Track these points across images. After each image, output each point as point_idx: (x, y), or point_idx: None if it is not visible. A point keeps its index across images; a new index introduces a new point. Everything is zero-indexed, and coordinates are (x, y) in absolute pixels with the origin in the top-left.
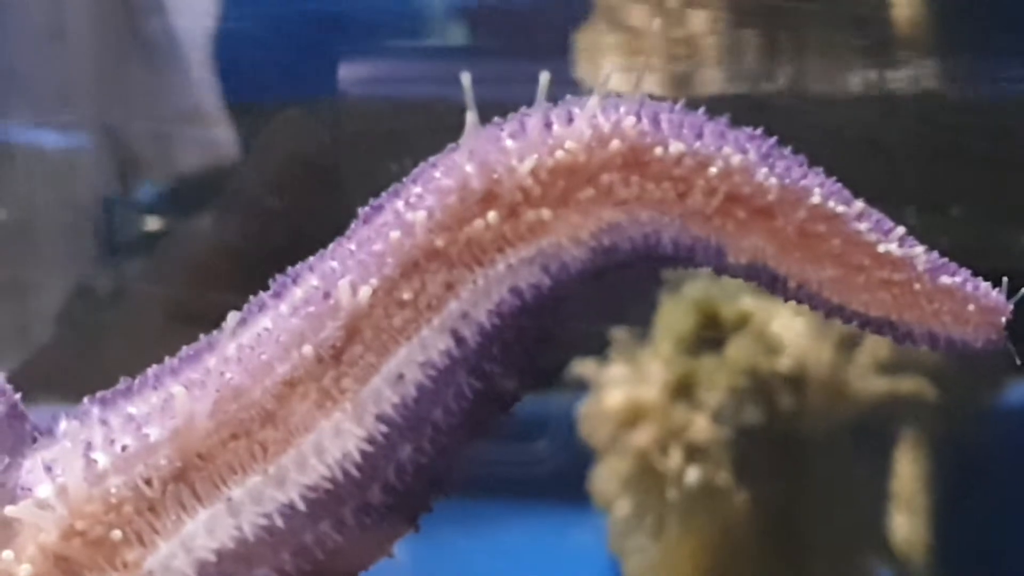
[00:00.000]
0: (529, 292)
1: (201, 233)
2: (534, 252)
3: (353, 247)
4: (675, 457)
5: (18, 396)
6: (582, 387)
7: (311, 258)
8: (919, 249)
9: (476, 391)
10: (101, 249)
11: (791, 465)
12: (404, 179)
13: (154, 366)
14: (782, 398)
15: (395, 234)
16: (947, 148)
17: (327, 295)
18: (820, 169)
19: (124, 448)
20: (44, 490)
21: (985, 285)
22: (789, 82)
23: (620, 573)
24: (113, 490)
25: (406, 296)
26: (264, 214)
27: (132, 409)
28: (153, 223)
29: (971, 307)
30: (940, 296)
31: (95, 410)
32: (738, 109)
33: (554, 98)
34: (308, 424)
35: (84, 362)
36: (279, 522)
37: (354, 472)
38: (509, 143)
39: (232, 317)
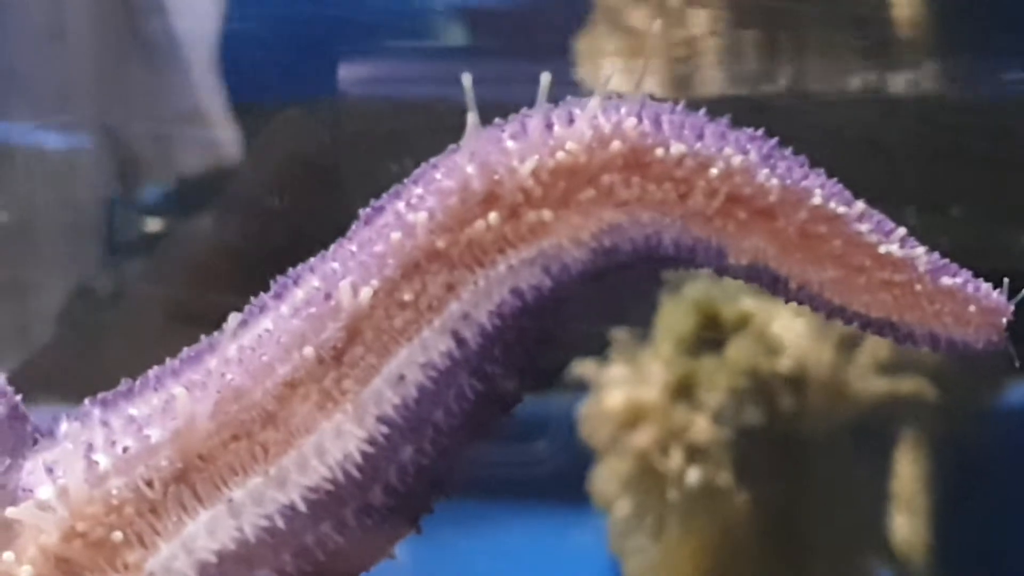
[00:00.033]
0: (530, 293)
1: (201, 233)
2: (535, 253)
3: (354, 248)
4: (675, 458)
5: (19, 397)
6: (582, 388)
7: (312, 259)
8: (920, 250)
9: (477, 392)
10: (101, 249)
11: (791, 466)
12: (405, 180)
13: (155, 367)
14: (782, 399)
15: (396, 235)
16: (947, 148)
17: (328, 296)
18: (821, 170)
19: (125, 449)
20: (45, 491)
21: (986, 286)
22: (789, 83)
23: (620, 574)
24: (114, 491)
25: (407, 297)
26: (264, 214)
27: (133, 410)
28: (153, 224)
29: (972, 308)
30: (941, 297)
31: (96, 411)
32: (738, 110)
33: (554, 99)
34: (309, 425)
35: (84, 363)
36: (280, 523)
37: (355, 473)
38: (510, 144)
39: (233, 318)
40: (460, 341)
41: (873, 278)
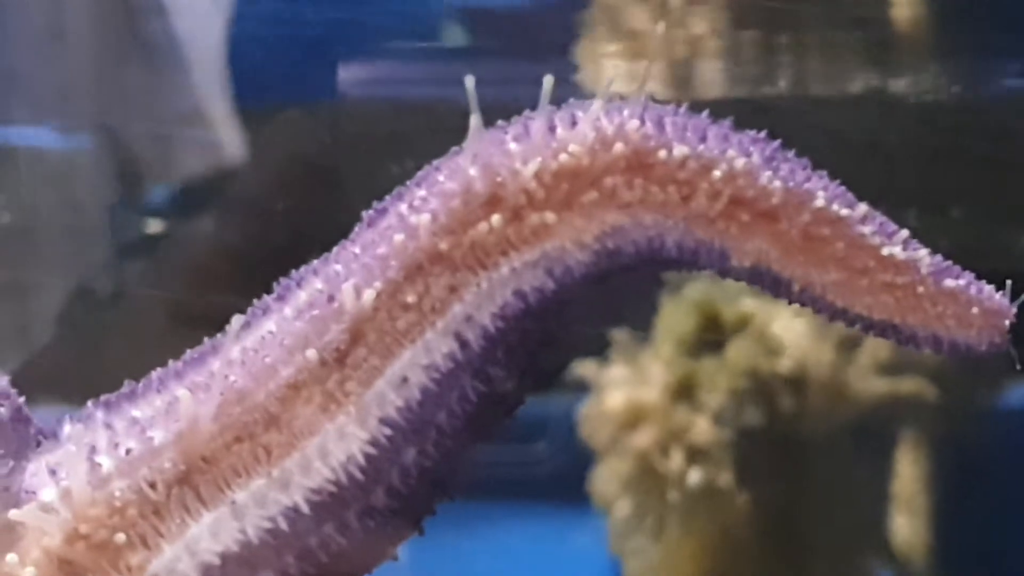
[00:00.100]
0: (533, 295)
1: (202, 235)
2: (538, 255)
3: (357, 250)
4: (676, 459)
5: (22, 399)
6: (582, 388)
7: (315, 261)
8: (923, 252)
9: (480, 394)
10: (102, 250)
11: (792, 466)
12: (406, 181)
13: (158, 369)
14: (783, 399)
15: (399, 237)
16: (948, 150)
17: (331, 298)
18: (823, 172)
19: (128, 451)
20: (48, 494)
21: (988, 288)
22: (790, 84)
23: (620, 574)
24: (117, 493)
25: (410, 299)
26: (265, 216)
27: (136, 412)
28: (154, 225)
29: (975, 310)
30: (944, 299)
31: (99, 413)
32: (739, 111)
33: (555, 100)
34: (312, 427)
35: (84, 364)
36: (283, 525)
37: (358, 475)
38: (513, 146)
39: (236, 320)
40: (463, 343)
41: (876, 280)
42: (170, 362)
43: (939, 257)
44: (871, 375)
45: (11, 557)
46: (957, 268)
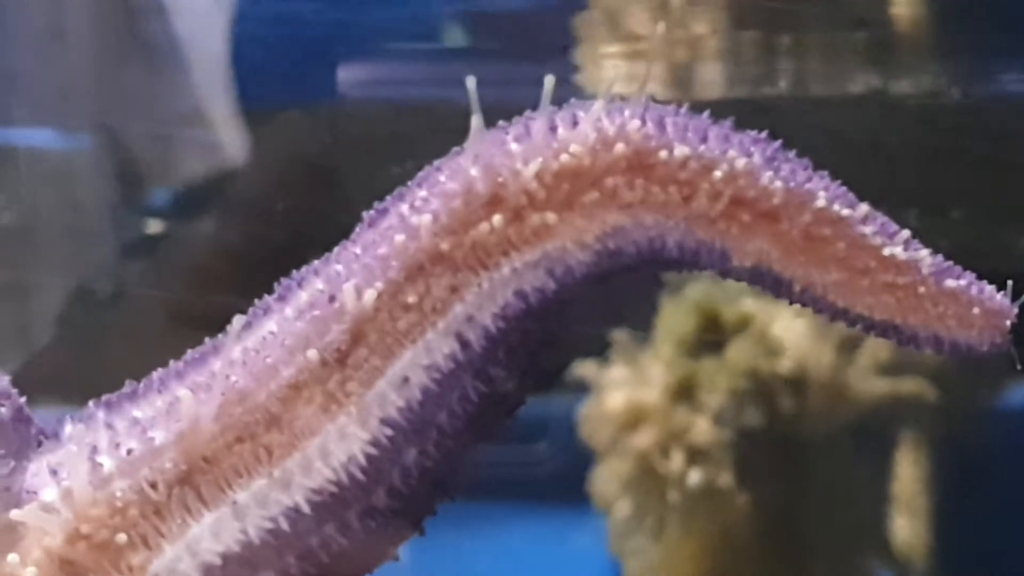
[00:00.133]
0: (534, 296)
1: (202, 235)
2: (539, 256)
3: (358, 251)
4: (676, 459)
5: (23, 399)
6: (582, 389)
7: (316, 261)
8: (924, 252)
9: (481, 394)
10: (102, 251)
11: (792, 467)
12: (406, 182)
13: (159, 369)
14: (783, 400)
15: (400, 238)
16: (948, 150)
17: (332, 299)
18: (824, 172)
19: (129, 452)
20: (49, 494)
21: (990, 288)
22: (790, 85)
23: (621, 575)
24: (118, 494)
25: (411, 300)
26: (265, 217)
27: (137, 413)
28: (154, 225)
29: (976, 310)
30: (945, 299)
31: (100, 414)
32: (739, 111)
33: (555, 101)
34: (313, 428)
35: (84, 364)
36: (284, 525)
37: (359, 476)
38: (514, 147)
39: (237, 320)
40: (464, 343)
41: (877, 280)
42: (171, 362)
43: (940, 257)
44: (871, 376)
45: (12, 557)
46: (958, 268)
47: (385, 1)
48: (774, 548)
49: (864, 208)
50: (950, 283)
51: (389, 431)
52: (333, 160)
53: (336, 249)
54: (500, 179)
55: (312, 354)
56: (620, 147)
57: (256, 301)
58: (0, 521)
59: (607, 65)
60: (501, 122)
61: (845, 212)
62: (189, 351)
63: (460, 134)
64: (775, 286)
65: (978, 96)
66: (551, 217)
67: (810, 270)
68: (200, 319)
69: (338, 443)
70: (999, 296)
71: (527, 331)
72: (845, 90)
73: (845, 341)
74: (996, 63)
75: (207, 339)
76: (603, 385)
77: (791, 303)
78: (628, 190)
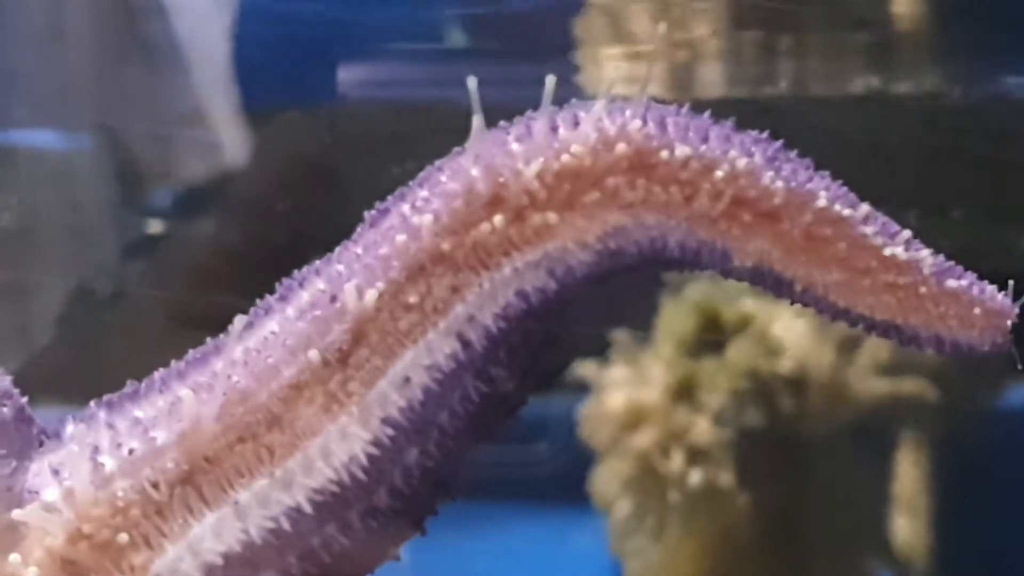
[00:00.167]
0: (535, 296)
1: (202, 236)
2: (540, 256)
3: (359, 251)
4: (676, 459)
5: (25, 399)
6: (582, 389)
7: (317, 262)
8: (925, 252)
9: (482, 394)
10: (102, 251)
11: (792, 467)
12: (407, 182)
13: (160, 369)
14: (783, 400)
15: (401, 238)
16: (948, 150)
17: (333, 299)
18: (826, 172)
19: (131, 452)
20: (51, 494)
21: (991, 288)
22: (790, 85)
23: (621, 575)
24: (120, 493)
25: (412, 300)
26: (266, 217)
27: (139, 412)
28: (155, 226)
29: (977, 310)
30: (946, 299)
31: (102, 414)
32: (739, 112)
33: (556, 101)
34: (315, 428)
35: (84, 364)
36: (286, 525)
37: (360, 475)
38: (515, 147)
39: (239, 320)
40: (465, 343)
41: (878, 280)
42: (172, 362)
43: (941, 257)
44: (871, 376)
45: (14, 557)
46: (959, 268)
47: (385, 2)
48: (774, 548)
49: (865, 208)
50: (951, 283)
51: (390, 431)
52: (333, 160)
53: (337, 249)
54: (501, 179)
55: (313, 354)
56: (621, 147)
57: (256, 301)
58: (2, 521)
59: (607, 66)
60: (502, 122)
61: (846, 212)
62: (191, 351)
63: (460, 134)
64: (776, 286)
65: (978, 96)
66: (552, 217)
67: (811, 270)
68: (200, 319)
69: (340, 443)
70: (1000, 296)
71: (528, 331)
72: (845, 90)
73: (845, 341)
74: (996, 63)
75: (207, 339)
76: (603, 385)
77: (792, 303)
78: (629, 190)
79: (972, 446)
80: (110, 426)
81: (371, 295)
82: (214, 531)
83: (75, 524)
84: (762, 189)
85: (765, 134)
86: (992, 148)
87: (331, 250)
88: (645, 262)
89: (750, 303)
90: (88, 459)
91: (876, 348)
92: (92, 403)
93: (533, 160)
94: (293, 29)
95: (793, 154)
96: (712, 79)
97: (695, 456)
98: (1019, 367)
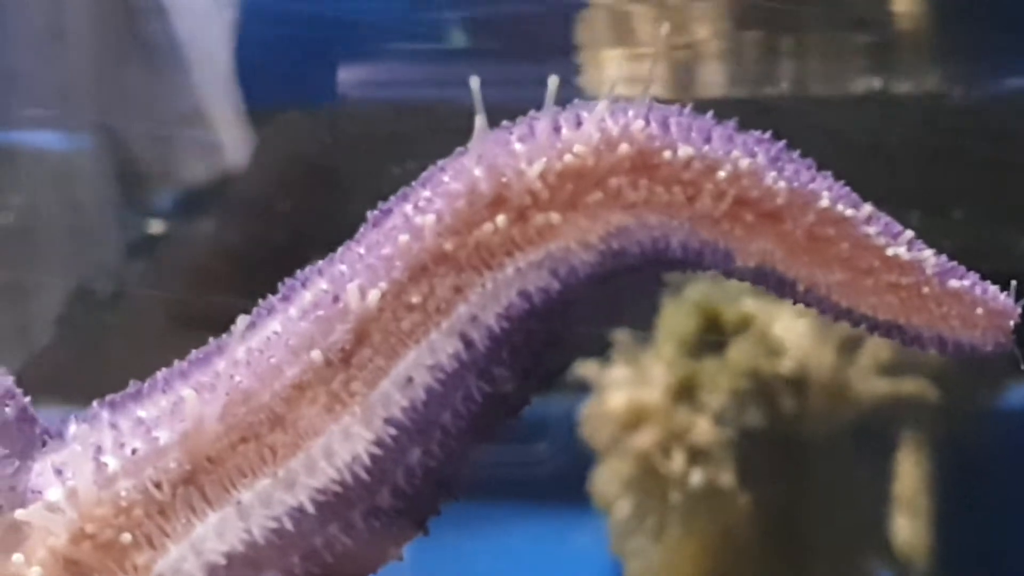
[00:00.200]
0: (538, 296)
1: (202, 236)
2: (543, 256)
3: (362, 251)
4: (677, 459)
5: (27, 399)
6: (582, 389)
7: (320, 262)
8: (928, 252)
9: (485, 394)
10: (103, 252)
11: (793, 467)
12: (408, 183)
13: (163, 369)
14: (784, 400)
15: (404, 238)
16: (949, 150)
17: (336, 299)
18: (828, 173)
19: (134, 451)
20: (54, 493)
21: (993, 288)
22: (791, 85)
23: (621, 575)
24: (123, 493)
25: (415, 299)
26: (266, 217)
27: (142, 412)
28: (155, 226)
29: (980, 311)
30: (949, 299)
31: (104, 413)
32: (740, 112)
33: (557, 102)
34: (317, 427)
35: (85, 364)
36: (288, 525)
37: (363, 475)
38: (518, 147)
39: (242, 320)
40: (468, 343)
41: (881, 281)
42: (175, 362)
43: (944, 258)
44: (872, 376)
45: (17, 557)
46: (962, 269)
47: (386, 2)
48: (775, 548)
49: (868, 208)
50: (954, 283)
51: (393, 431)
52: (333, 161)
53: (340, 249)
54: (504, 179)
55: (316, 354)
56: (624, 147)
57: (257, 301)
58: (5, 521)
59: (609, 66)
60: (503, 123)
61: (849, 212)
62: (193, 351)
63: (461, 135)
64: (779, 286)
65: (979, 96)
66: (555, 217)
67: (814, 270)
68: (200, 319)
69: (342, 443)
70: (1003, 296)
71: (531, 331)
72: (846, 91)
73: (846, 341)
74: (997, 63)
75: (208, 339)
76: (604, 385)
77: (795, 303)
78: (632, 190)
79: (973, 446)
80: (113, 426)
81: (374, 295)
82: (217, 531)
83: (78, 524)
84: (765, 189)
85: (767, 134)
86: (993, 148)
87: (331, 250)
88: (648, 262)
89: (751, 303)
90: (91, 459)
91: (877, 348)
92: (95, 403)
93: (536, 160)
94: (294, 29)
95: (795, 154)
96: (713, 79)
97: (696, 456)
98: (1022, 367)
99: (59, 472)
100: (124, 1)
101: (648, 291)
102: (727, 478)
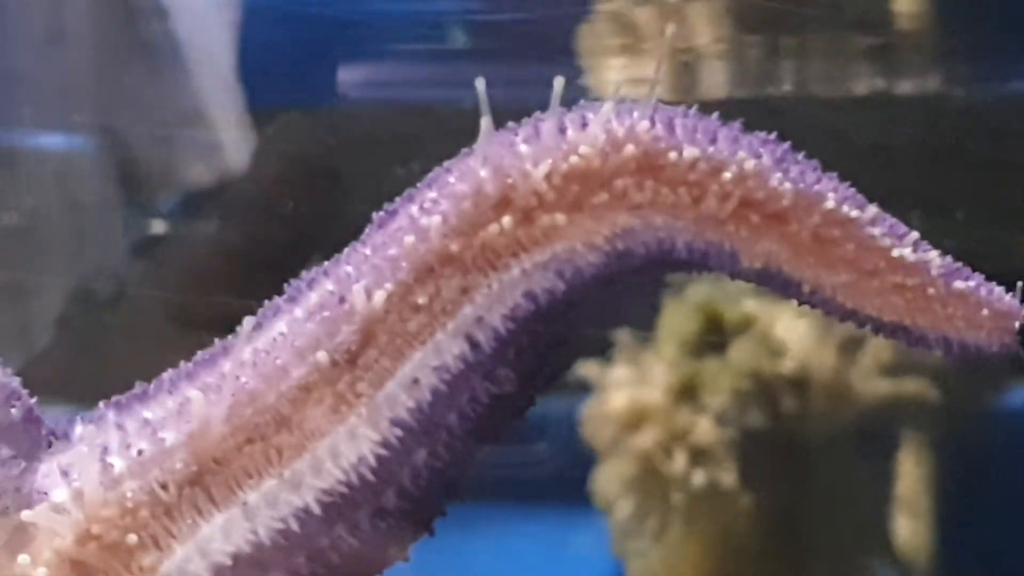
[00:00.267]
0: (544, 297)
1: (205, 237)
2: (549, 257)
3: (368, 252)
4: (678, 460)
5: (34, 400)
6: (583, 389)
7: (325, 263)
8: (933, 253)
9: (490, 395)
10: (104, 252)
11: (794, 467)
12: (410, 184)
13: (169, 370)
14: (785, 401)
15: (410, 239)
16: (952, 151)
17: (342, 300)
18: (833, 174)
19: (140, 452)
20: (60, 494)
21: (999, 290)
22: (793, 86)
23: (622, 575)
24: (129, 494)
25: (421, 301)
26: (268, 218)
27: (148, 413)
28: (157, 227)
29: (985, 312)
30: (954, 300)
31: (111, 414)
32: (742, 113)
33: (560, 103)
34: (323, 428)
35: (85, 365)
36: (294, 526)
37: (369, 476)
38: (523, 148)
39: (247, 322)
40: (474, 345)
41: (886, 282)
42: (181, 363)
43: (949, 259)
44: (873, 376)
45: (23, 558)
46: (967, 270)
47: (388, 2)
48: (776, 549)
49: (873, 210)
50: (959, 284)
51: (399, 432)
52: (335, 161)
53: (346, 250)
54: (510, 180)
55: (322, 355)
56: (630, 148)
57: (258, 303)
58: (11, 522)
59: (612, 67)
60: (505, 124)
61: (854, 214)
62: (199, 352)
63: (464, 136)
64: (784, 287)
65: (982, 97)
66: (560, 218)
67: (819, 271)
68: (202, 320)
69: (348, 444)
70: (1008, 297)
71: (536, 332)
72: (849, 91)
73: (847, 342)
74: (999, 64)
75: (209, 340)
76: (605, 385)
77: (800, 304)
78: (637, 191)
79: (974, 446)
80: (119, 427)
81: (380, 296)
82: (223, 532)
83: (84, 525)
84: (770, 191)
85: (771, 135)
86: (995, 149)
87: (333, 251)
88: (653, 263)
89: (752, 304)
90: (97, 460)
91: (878, 349)
92: (101, 404)
93: (541, 161)
94: (295, 29)
95: (799, 155)
96: (715, 80)
97: (697, 457)
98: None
99: (65, 473)
100: (124, 1)
101: (650, 292)
102: (728, 479)
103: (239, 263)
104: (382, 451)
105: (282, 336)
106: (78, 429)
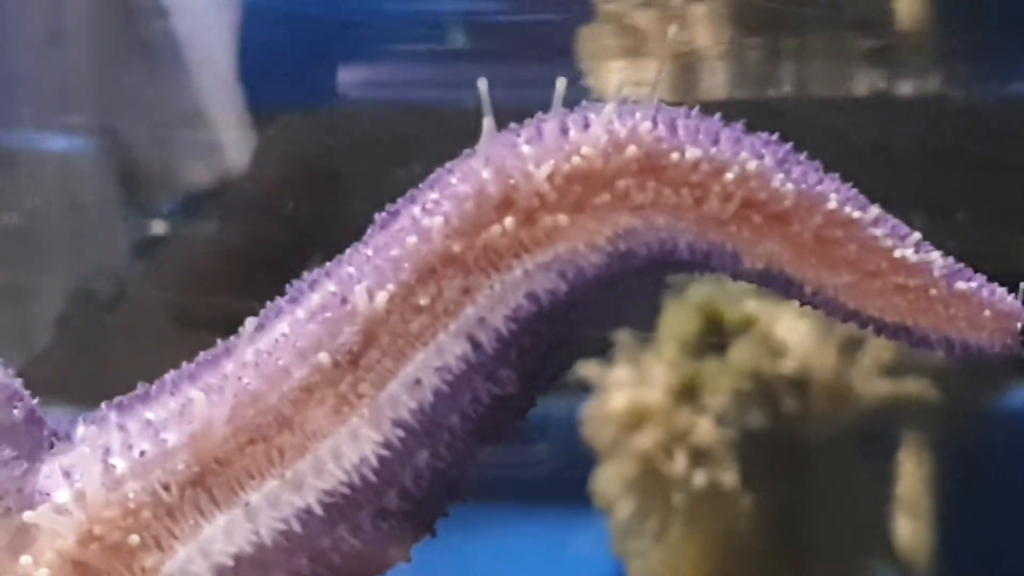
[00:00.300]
0: (546, 297)
1: (205, 238)
2: (551, 258)
3: (370, 252)
4: (679, 460)
5: (35, 401)
6: (583, 389)
7: (327, 263)
8: (935, 254)
9: (492, 396)
10: (104, 253)
11: (794, 468)
12: (411, 185)
13: (171, 371)
14: (786, 401)
15: (412, 240)
16: (953, 152)
17: (344, 300)
18: (835, 175)
19: (142, 453)
20: (62, 495)
21: (1001, 290)
22: (794, 87)
23: (623, 575)
24: (131, 495)
25: (423, 301)
26: (268, 219)
27: (150, 414)
28: (157, 227)
29: (987, 312)
30: (956, 301)
31: (113, 415)
32: (742, 114)
33: (562, 104)
34: (325, 429)
35: (86, 366)
36: (296, 527)
37: (371, 477)
38: (525, 149)
39: (249, 323)
40: (476, 345)
41: (888, 282)
42: (182, 364)
43: (951, 259)
44: (874, 377)
45: (25, 559)
46: (969, 271)
47: (388, 2)
48: (777, 549)
49: (875, 210)
50: (961, 285)
51: (401, 433)
52: (336, 162)
53: (348, 251)
54: (512, 181)
55: (324, 356)
56: (632, 149)
57: (259, 303)
58: (13, 523)
59: (612, 70)
60: (510, 124)
61: (856, 214)
62: (201, 353)
63: (464, 136)
64: (786, 288)
65: (982, 98)
66: (563, 219)
67: (821, 272)
68: (202, 321)
69: (350, 445)
70: (1010, 298)
71: (538, 333)
72: (849, 92)
73: (848, 342)
74: (1000, 65)
75: (209, 341)
76: (606, 386)
77: (802, 305)
78: (640, 192)
79: (974, 447)
80: (121, 428)
81: (382, 297)
82: (225, 532)
83: (86, 526)
84: (772, 191)
85: (773, 136)
86: (996, 150)
87: (334, 251)
88: (655, 264)
89: (753, 304)
90: (99, 461)
91: (879, 349)
92: (103, 405)
93: (543, 162)
94: (295, 30)
95: (801, 156)
96: (716, 82)
97: (697, 457)
98: None
99: (67, 474)
100: (124, 2)
101: (650, 292)
102: (729, 479)
103: (239, 264)
104: (384, 452)
105: (284, 337)
106: (80, 430)
